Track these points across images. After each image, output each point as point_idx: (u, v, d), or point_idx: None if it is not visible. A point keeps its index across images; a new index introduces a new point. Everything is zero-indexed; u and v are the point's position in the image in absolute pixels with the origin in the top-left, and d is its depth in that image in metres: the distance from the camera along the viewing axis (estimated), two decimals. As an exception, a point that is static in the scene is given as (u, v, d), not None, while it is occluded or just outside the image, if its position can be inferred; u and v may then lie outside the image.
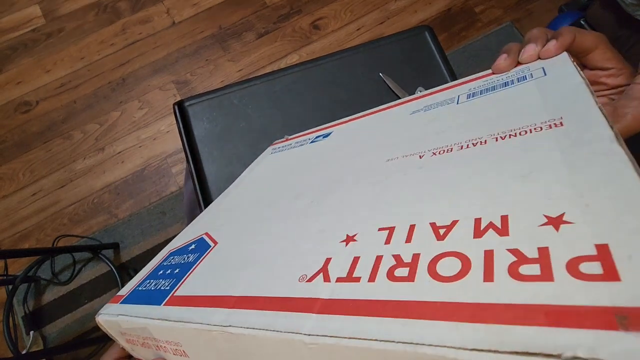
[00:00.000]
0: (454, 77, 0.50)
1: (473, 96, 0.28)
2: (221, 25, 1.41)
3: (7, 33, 1.40)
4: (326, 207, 0.23)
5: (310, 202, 0.25)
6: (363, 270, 0.16)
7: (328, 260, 0.18)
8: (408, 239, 0.16)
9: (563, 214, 0.14)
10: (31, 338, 1.08)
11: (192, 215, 0.61)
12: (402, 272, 0.15)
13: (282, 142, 0.43)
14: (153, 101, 1.34)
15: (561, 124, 0.19)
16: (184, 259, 0.26)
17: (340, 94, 0.51)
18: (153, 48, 1.39)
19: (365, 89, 0.49)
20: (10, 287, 1.07)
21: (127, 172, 1.26)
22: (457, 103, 0.28)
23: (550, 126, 0.20)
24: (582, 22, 1.04)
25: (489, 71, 0.31)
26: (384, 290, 0.14)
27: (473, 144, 0.22)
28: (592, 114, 0.19)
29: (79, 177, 1.26)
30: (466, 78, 0.32)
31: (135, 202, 1.23)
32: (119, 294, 0.26)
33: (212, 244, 0.26)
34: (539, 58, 0.28)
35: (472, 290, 0.13)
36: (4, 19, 1.42)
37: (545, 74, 0.25)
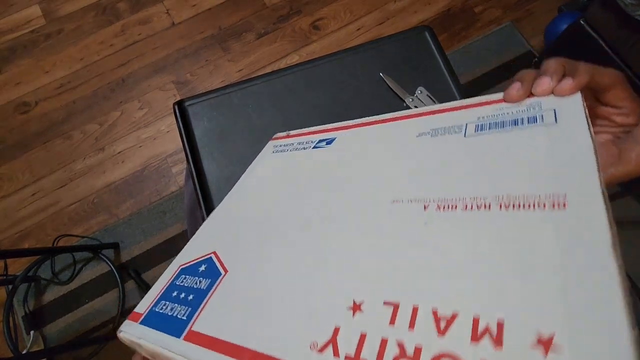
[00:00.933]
0: (454, 77, 0.50)
1: (481, 129, 0.28)
2: (221, 25, 1.41)
3: (6, 34, 1.40)
4: (333, 254, 0.25)
5: (318, 240, 0.26)
6: (369, 353, 0.18)
7: (337, 330, 0.20)
8: (411, 325, 0.18)
9: (553, 336, 0.15)
10: (31, 338, 1.08)
11: (192, 216, 0.62)
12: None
13: (284, 137, 0.42)
14: (153, 101, 1.34)
15: (564, 205, 0.20)
16: (196, 283, 0.28)
17: (340, 94, 0.51)
18: (153, 48, 1.39)
19: (365, 89, 0.49)
20: (10, 287, 1.07)
21: (127, 172, 1.26)
22: (465, 135, 0.28)
23: (553, 205, 0.20)
24: (581, 22, 1.04)
25: (500, 95, 0.29)
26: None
27: (477, 206, 0.22)
28: (596, 199, 0.19)
29: (79, 177, 1.26)
30: (475, 99, 0.31)
31: (136, 201, 1.23)
32: (136, 310, 0.28)
33: (222, 272, 0.28)
34: (553, 94, 0.27)
35: None
36: (3, 20, 1.42)
37: (556, 121, 0.25)
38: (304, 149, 0.38)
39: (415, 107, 0.47)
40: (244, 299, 0.25)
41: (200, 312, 0.25)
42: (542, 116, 0.26)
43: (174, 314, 0.26)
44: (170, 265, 0.31)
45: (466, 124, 0.28)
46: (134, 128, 1.31)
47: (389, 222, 0.25)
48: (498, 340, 0.16)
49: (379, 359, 0.17)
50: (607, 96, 0.28)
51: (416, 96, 0.48)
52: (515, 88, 0.27)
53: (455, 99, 0.50)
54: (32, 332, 1.08)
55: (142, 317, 0.27)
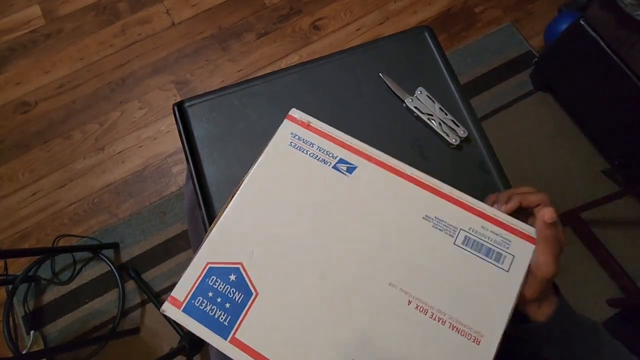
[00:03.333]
0: (453, 77, 0.50)
1: (466, 244, 0.37)
2: (221, 25, 1.41)
3: (6, 34, 1.40)
4: (339, 323, 0.35)
5: (333, 300, 0.35)
6: None
7: None
8: None
9: None
10: (31, 338, 1.08)
11: (192, 216, 0.62)
12: None
13: (303, 125, 0.41)
14: (153, 101, 1.34)
15: (478, 342, 0.33)
16: (230, 293, 0.36)
17: (340, 94, 0.51)
18: (153, 48, 1.39)
19: (364, 89, 0.49)
20: (10, 287, 1.07)
21: (127, 172, 1.26)
22: (455, 242, 0.37)
23: (474, 340, 0.33)
24: (581, 22, 1.04)
25: (493, 211, 0.38)
26: None
27: (439, 318, 0.34)
28: (494, 346, 0.33)
29: (79, 177, 1.26)
30: (477, 205, 0.38)
31: (136, 201, 1.23)
32: (174, 295, 0.35)
33: (253, 292, 0.36)
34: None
35: None
36: (3, 20, 1.42)
37: (508, 270, 0.36)
38: (324, 162, 0.40)
39: (415, 107, 0.47)
40: (278, 324, 0.34)
41: (241, 323, 0.34)
42: (504, 258, 0.36)
43: (215, 316, 0.35)
44: (196, 257, 0.37)
45: (460, 231, 0.37)
46: (134, 128, 1.31)
47: (382, 304, 0.35)
48: None
49: None
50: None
51: (416, 96, 0.48)
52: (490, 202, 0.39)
53: (455, 99, 0.50)
54: (32, 332, 1.08)
55: (183, 305, 0.35)
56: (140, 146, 1.29)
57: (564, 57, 1.16)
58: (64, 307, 1.13)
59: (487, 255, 0.36)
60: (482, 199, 0.39)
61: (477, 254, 0.36)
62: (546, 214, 0.36)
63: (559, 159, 1.25)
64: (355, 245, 0.37)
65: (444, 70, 0.51)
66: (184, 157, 0.56)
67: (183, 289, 0.36)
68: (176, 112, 0.50)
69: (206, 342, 0.34)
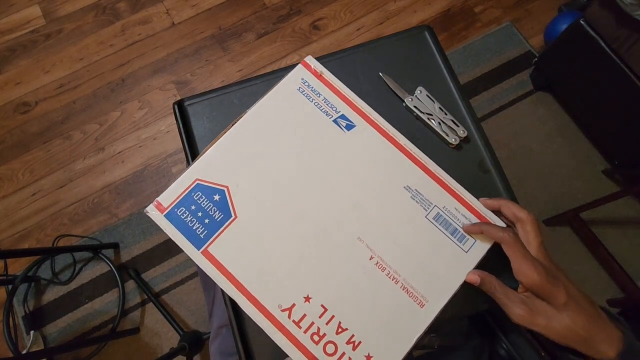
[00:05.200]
0: (453, 77, 0.50)
1: (436, 220, 0.40)
2: (221, 25, 1.41)
3: (6, 34, 1.40)
4: (302, 260, 0.38)
5: (303, 239, 0.39)
6: (304, 325, 0.36)
7: (293, 305, 0.37)
8: (328, 322, 0.37)
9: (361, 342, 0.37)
10: (31, 338, 1.08)
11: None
12: (316, 337, 0.36)
13: (316, 74, 0.43)
14: (153, 101, 1.34)
15: (422, 306, 0.38)
16: (212, 211, 0.38)
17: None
18: (153, 49, 1.39)
19: (365, 89, 0.49)
20: (10, 287, 1.07)
21: (127, 172, 1.26)
22: (426, 217, 0.40)
23: (419, 303, 0.38)
24: (581, 22, 1.04)
25: (472, 199, 0.41)
26: (304, 338, 0.36)
27: (394, 278, 0.38)
28: (432, 314, 0.38)
29: (79, 177, 1.26)
30: (458, 188, 0.41)
31: (136, 201, 1.23)
32: (160, 200, 0.39)
33: (232, 214, 0.39)
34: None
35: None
36: (3, 20, 1.42)
37: (467, 251, 0.39)
38: (326, 114, 0.42)
39: (415, 107, 0.47)
40: (248, 248, 0.38)
41: (215, 239, 0.38)
42: (466, 241, 0.39)
43: (194, 227, 0.38)
44: (187, 171, 0.40)
45: (434, 207, 0.40)
46: (134, 128, 1.31)
47: (348, 252, 0.38)
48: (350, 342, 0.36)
49: (307, 330, 0.36)
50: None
51: (415, 96, 0.48)
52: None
53: (454, 99, 0.50)
54: (32, 332, 1.08)
55: (166, 211, 0.39)
56: (140, 146, 1.29)
57: (564, 57, 1.16)
58: (64, 307, 1.13)
59: (452, 234, 0.39)
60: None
61: (443, 230, 0.39)
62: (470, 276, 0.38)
63: (559, 159, 1.25)
64: (336, 196, 0.40)
65: (444, 70, 0.51)
66: (184, 156, 0.56)
67: (169, 197, 0.39)
68: (176, 110, 0.49)
69: (205, 342, 0.34)
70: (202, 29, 1.41)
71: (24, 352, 1.05)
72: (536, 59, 1.27)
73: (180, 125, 0.48)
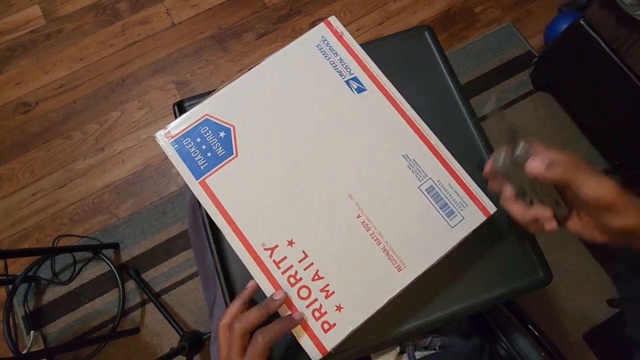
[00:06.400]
0: (454, 77, 0.50)
1: (428, 192, 0.40)
2: (221, 25, 1.41)
3: (6, 34, 1.40)
4: (292, 207, 0.40)
5: (296, 186, 0.40)
6: (284, 266, 0.39)
7: (276, 246, 0.39)
8: (306, 268, 0.39)
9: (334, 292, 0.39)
10: (31, 338, 1.08)
11: (192, 215, 0.62)
12: (292, 280, 0.38)
13: (337, 34, 0.44)
14: (153, 101, 1.34)
15: (400, 270, 0.39)
16: (215, 145, 0.41)
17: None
18: (153, 49, 1.39)
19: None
20: (10, 287, 1.07)
21: (128, 172, 1.26)
22: (419, 187, 0.41)
23: (397, 267, 0.39)
24: (581, 22, 1.04)
25: (463, 173, 0.42)
26: (281, 279, 0.38)
27: (376, 239, 0.39)
28: (413, 275, 0.39)
29: (79, 177, 1.26)
30: (452, 161, 0.42)
31: (136, 201, 1.23)
32: (169, 129, 0.41)
33: (234, 153, 0.41)
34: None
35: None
36: (3, 20, 1.42)
37: (453, 227, 0.40)
38: (340, 74, 0.43)
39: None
40: (243, 186, 0.40)
41: (214, 172, 0.40)
42: (454, 217, 0.40)
43: (196, 158, 0.40)
44: (199, 105, 0.42)
45: (428, 179, 0.41)
46: (134, 128, 1.31)
47: (333, 208, 0.40)
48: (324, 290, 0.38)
49: (285, 272, 0.38)
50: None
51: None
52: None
53: (454, 99, 0.50)
54: (32, 332, 1.08)
55: (173, 139, 0.41)
56: (141, 146, 1.29)
57: (564, 57, 1.16)
58: (64, 307, 1.13)
59: (441, 208, 0.40)
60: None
61: (433, 203, 0.40)
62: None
63: (559, 159, 1.25)
64: (334, 152, 0.41)
65: (444, 69, 0.51)
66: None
67: (178, 126, 0.41)
68: (176, 111, 0.50)
69: (206, 342, 0.35)
70: (202, 29, 1.41)
71: (24, 352, 1.05)
72: (536, 59, 1.27)
73: (181, 126, 0.48)
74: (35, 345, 1.09)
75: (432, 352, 0.48)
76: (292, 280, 0.38)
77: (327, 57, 0.43)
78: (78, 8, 1.43)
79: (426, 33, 0.53)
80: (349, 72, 0.43)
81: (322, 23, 0.45)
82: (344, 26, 0.44)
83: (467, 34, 1.40)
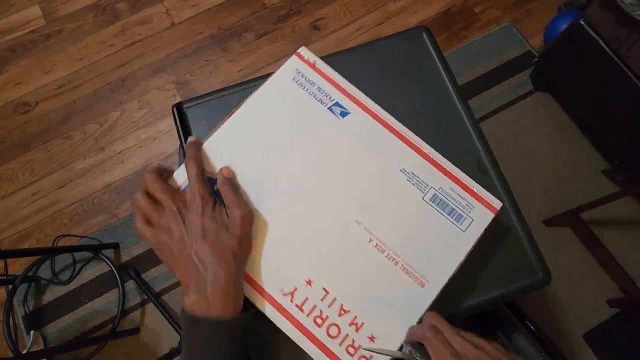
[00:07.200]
0: (452, 78, 0.51)
1: (433, 201, 0.40)
2: (221, 26, 1.41)
3: (6, 34, 1.40)
4: (308, 244, 0.39)
5: (302, 224, 0.40)
6: (307, 308, 0.37)
7: (295, 288, 0.38)
8: (330, 305, 0.37)
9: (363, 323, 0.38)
10: (31, 338, 1.08)
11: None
12: (319, 320, 0.37)
13: (309, 64, 0.44)
14: (153, 101, 1.34)
15: (423, 285, 0.38)
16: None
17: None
18: (152, 49, 1.39)
19: (363, 90, 0.49)
20: (10, 287, 1.07)
21: (128, 172, 1.26)
22: (423, 198, 0.40)
23: (419, 283, 0.38)
24: (581, 22, 1.04)
25: (462, 175, 0.41)
26: (307, 322, 0.37)
27: (393, 259, 0.39)
28: (435, 292, 0.38)
29: (79, 177, 1.26)
30: (450, 167, 0.41)
31: (135, 202, 1.23)
32: (174, 176, 0.43)
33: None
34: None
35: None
36: (3, 20, 1.42)
37: (465, 230, 0.39)
38: (321, 102, 0.43)
39: None
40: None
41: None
42: (464, 220, 0.40)
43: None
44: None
45: (430, 188, 0.41)
46: (134, 128, 1.31)
47: (343, 238, 0.39)
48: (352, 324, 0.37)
49: (310, 314, 0.37)
50: None
51: None
52: None
53: (453, 100, 0.50)
54: (32, 332, 1.09)
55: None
56: (140, 146, 1.29)
57: (564, 57, 1.16)
58: (64, 307, 1.13)
59: (449, 215, 0.40)
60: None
61: (441, 211, 0.40)
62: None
63: (559, 159, 1.25)
64: (333, 182, 0.41)
65: (442, 70, 0.51)
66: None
67: (180, 174, 0.42)
68: (175, 113, 0.50)
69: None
70: (201, 29, 1.41)
71: (24, 352, 1.06)
72: (536, 59, 1.27)
73: (180, 129, 0.48)
74: (35, 345, 1.09)
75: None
76: (319, 320, 0.37)
77: (306, 89, 0.43)
78: (78, 8, 1.43)
79: (424, 34, 0.53)
80: (330, 98, 0.43)
81: (294, 55, 0.44)
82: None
83: (467, 34, 1.40)
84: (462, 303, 0.44)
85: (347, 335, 0.36)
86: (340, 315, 0.37)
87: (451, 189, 0.41)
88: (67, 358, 1.10)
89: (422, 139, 0.42)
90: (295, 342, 0.36)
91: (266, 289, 0.37)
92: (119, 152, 1.28)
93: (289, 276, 0.38)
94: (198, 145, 0.40)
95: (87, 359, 1.08)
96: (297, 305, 0.37)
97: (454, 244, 0.39)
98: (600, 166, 1.23)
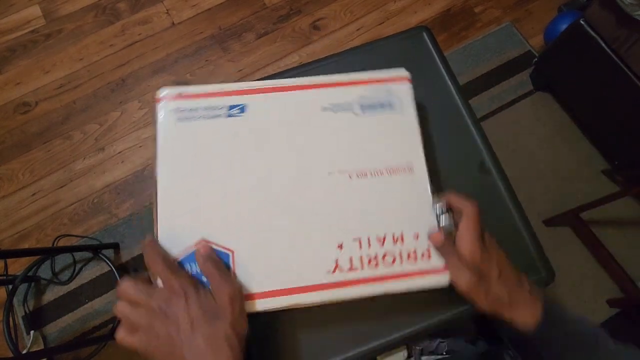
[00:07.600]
0: (452, 77, 0.50)
1: (364, 110, 0.42)
2: (221, 25, 1.41)
3: (6, 34, 1.40)
4: (308, 218, 0.39)
5: (276, 207, 0.39)
6: (357, 265, 0.38)
7: (337, 260, 0.38)
8: (369, 246, 0.39)
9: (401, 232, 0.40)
10: (31, 338, 1.08)
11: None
12: (373, 263, 0.39)
13: (176, 98, 0.41)
14: (153, 101, 1.33)
15: (411, 170, 0.41)
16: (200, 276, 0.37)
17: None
18: (153, 49, 1.39)
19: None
20: (10, 287, 1.07)
21: (127, 172, 1.26)
22: (354, 112, 0.42)
23: (408, 170, 0.40)
24: (581, 22, 1.04)
25: (366, 76, 0.43)
26: (369, 272, 0.39)
27: (377, 173, 0.40)
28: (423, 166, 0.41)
29: (79, 177, 1.26)
30: (356, 77, 0.43)
31: (136, 201, 1.23)
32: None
33: (229, 253, 0.38)
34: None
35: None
36: (3, 20, 1.42)
37: (401, 111, 0.42)
38: (217, 116, 0.40)
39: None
40: (262, 261, 0.38)
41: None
42: (394, 105, 0.42)
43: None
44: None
45: (354, 103, 0.42)
46: (133, 128, 1.31)
47: (332, 195, 0.40)
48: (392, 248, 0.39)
49: (364, 265, 0.38)
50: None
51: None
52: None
53: (453, 99, 0.50)
54: (32, 332, 1.09)
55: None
56: (140, 146, 1.29)
57: (564, 57, 1.16)
58: (63, 307, 1.13)
59: (382, 108, 0.42)
60: (482, 200, 0.38)
61: (374, 113, 0.42)
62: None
63: (559, 159, 1.25)
64: (288, 163, 0.40)
65: (443, 70, 0.51)
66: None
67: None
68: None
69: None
70: (202, 29, 1.41)
71: (24, 352, 1.06)
72: (536, 59, 1.27)
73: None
74: (35, 345, 1.09)
75: (439, 356, 0.48)
76: (374, 263, 0.38)
77: (194, 117, 0.40)
78: (78, 8, 1.43)
79: (424, 34, 0.53)
80: (220, 108, 0.41)
81: (155, 103, 0.41)
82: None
83: (467, 34, 1.40)
84: (466, 304, 0.44)
85: (401, 252, 0.38)
86: (382, 244, 0.39)
87: (366, 91, 0.42)
88: (67, 358, 1.10)
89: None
90: (380, 294, 0.38)
91: (311, 283, 0.37)
92: (119, 152, 1.28)
93: (323, 258, 0.38)
94: (154, 243, 0.36)
95: (87, 359, 1.08)
96: (350, 269, 0.38)
97: (402, 127, 0.42)
98: (600, 166, 1.23)
